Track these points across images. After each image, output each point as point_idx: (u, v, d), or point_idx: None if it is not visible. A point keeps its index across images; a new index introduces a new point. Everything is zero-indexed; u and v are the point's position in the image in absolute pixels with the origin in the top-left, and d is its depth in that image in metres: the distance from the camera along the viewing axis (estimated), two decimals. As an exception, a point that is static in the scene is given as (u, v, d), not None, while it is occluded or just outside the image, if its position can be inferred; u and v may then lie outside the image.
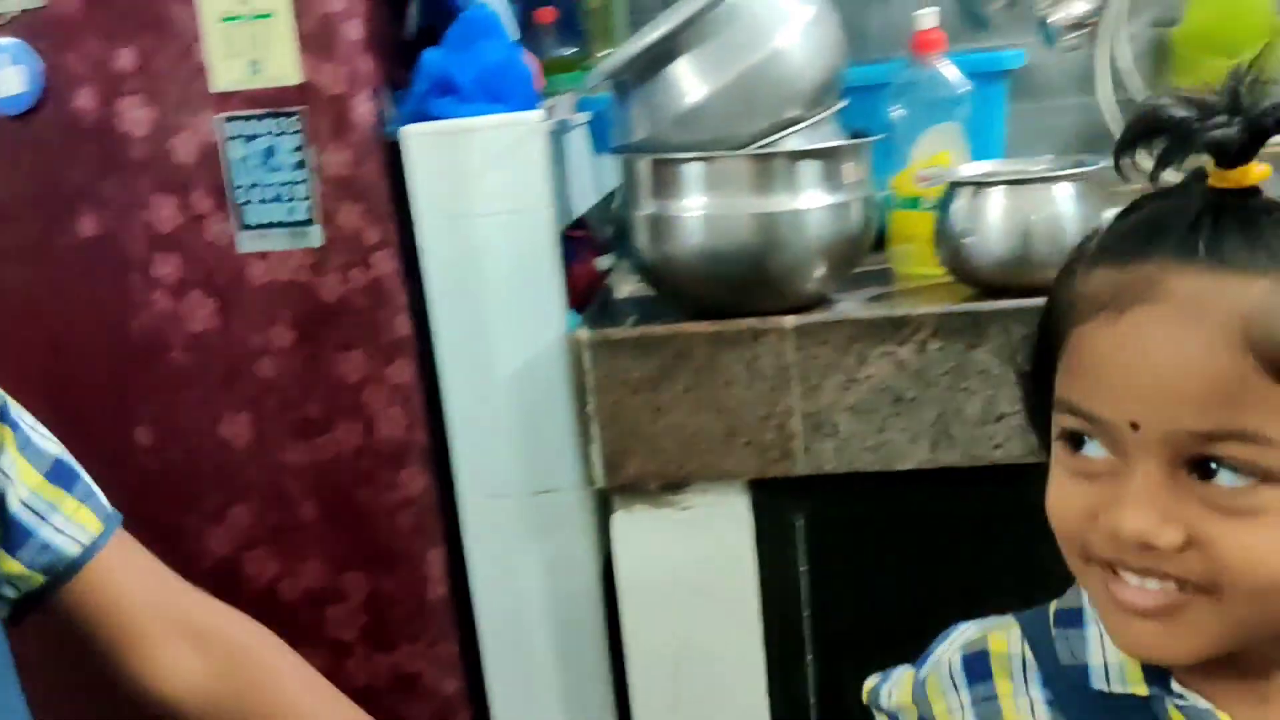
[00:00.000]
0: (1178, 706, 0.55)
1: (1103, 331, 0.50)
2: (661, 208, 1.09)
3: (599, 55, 1.51)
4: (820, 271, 1.09)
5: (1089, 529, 0.51)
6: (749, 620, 1.14)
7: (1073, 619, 0.60)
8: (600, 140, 1.38)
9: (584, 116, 1.40)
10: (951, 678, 0.62)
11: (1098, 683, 0.57)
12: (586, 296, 1.26)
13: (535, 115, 1.13)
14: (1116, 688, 0.57)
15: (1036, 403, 0.57)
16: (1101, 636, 0.57)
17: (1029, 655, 0.60)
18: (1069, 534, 0.53)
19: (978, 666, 0.62)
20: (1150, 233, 0.51)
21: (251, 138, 1.16)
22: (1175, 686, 0.56)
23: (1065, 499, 0.53)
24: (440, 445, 1.20)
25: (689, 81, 1.07)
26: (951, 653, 0.63)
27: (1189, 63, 1.50)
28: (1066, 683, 0.59)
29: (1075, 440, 0.52)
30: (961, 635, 0.64)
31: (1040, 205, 1.06)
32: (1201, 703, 0.55)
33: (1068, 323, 0.53)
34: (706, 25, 1.06)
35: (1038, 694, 0.59)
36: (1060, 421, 0.53)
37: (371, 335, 1.19)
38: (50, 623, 0.73)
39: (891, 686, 0.67)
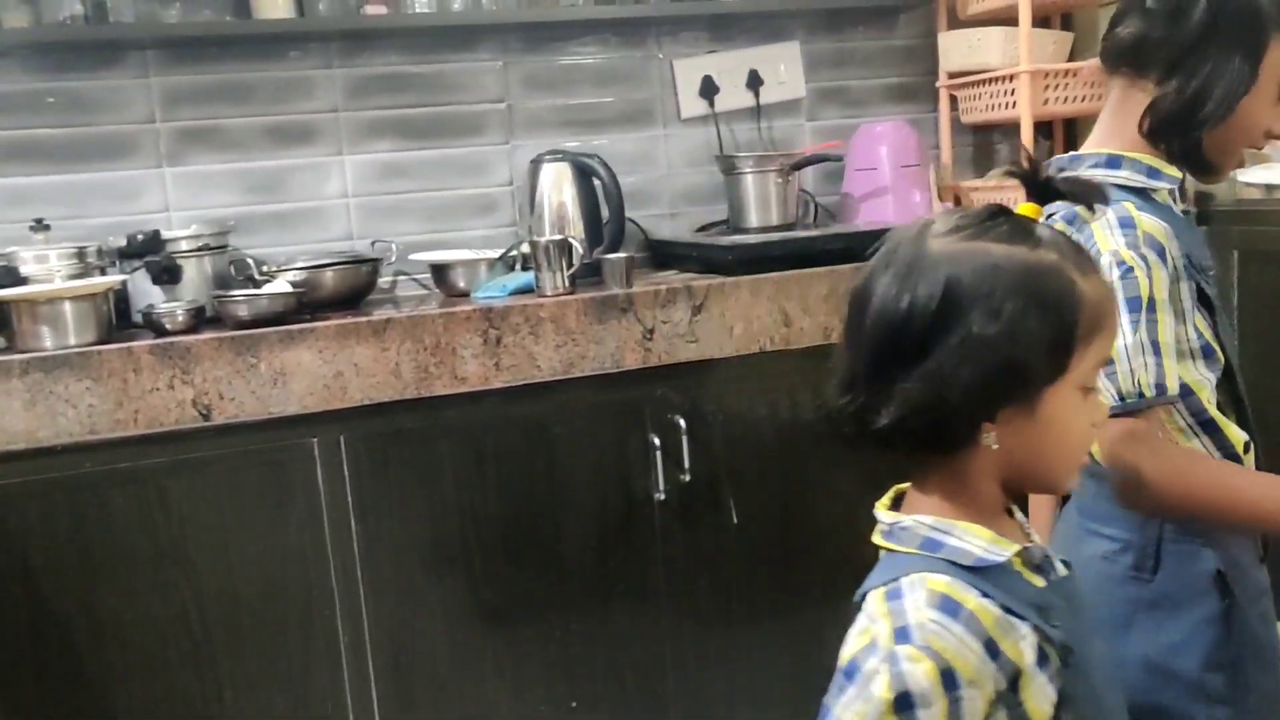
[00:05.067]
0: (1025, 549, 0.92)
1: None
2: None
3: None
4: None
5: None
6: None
7: (933, 546, 0.90)
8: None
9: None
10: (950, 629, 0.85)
11: (990, 558, 0.90)
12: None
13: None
14: (999, 558, 0.90)
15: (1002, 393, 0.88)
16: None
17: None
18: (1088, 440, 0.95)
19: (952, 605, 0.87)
20: None
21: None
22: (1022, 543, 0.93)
23: (1085, 424, 0.93)
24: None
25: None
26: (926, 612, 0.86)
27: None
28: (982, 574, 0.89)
29: (1085, 390, 0.91)
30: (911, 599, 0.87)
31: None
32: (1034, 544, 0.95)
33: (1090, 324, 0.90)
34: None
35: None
36: (1077, 383, 0.90)
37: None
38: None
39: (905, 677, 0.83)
